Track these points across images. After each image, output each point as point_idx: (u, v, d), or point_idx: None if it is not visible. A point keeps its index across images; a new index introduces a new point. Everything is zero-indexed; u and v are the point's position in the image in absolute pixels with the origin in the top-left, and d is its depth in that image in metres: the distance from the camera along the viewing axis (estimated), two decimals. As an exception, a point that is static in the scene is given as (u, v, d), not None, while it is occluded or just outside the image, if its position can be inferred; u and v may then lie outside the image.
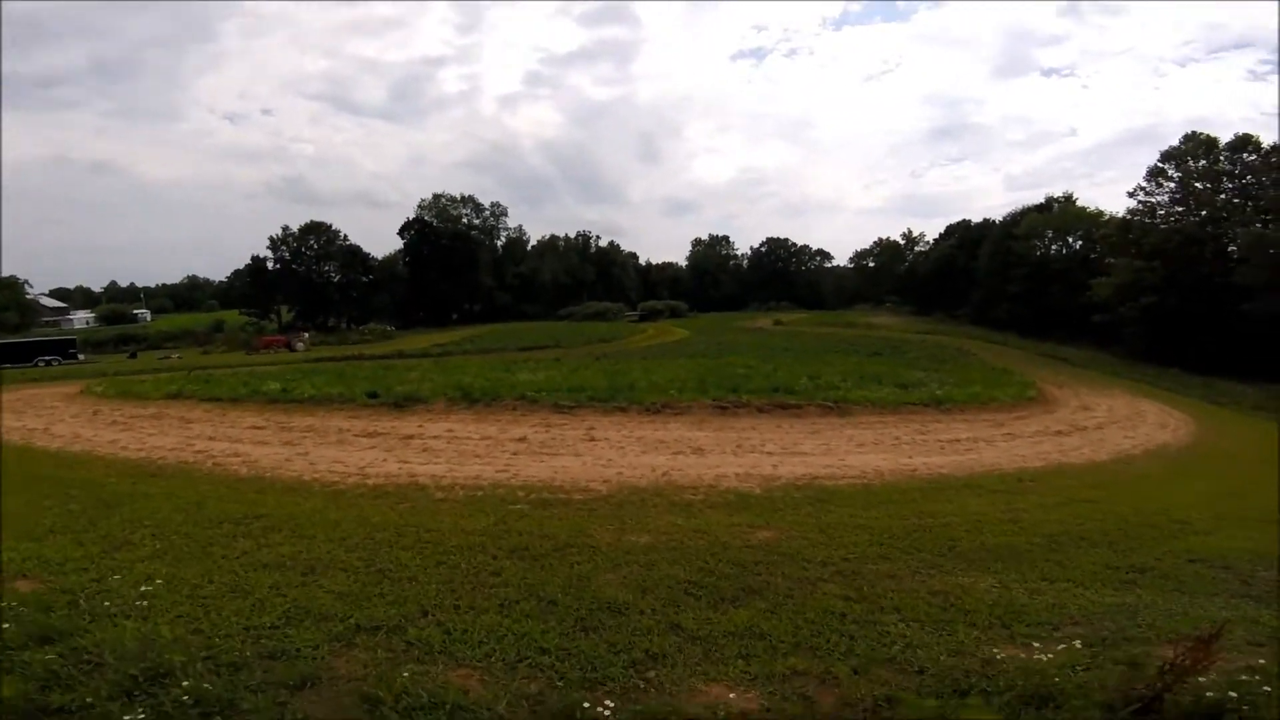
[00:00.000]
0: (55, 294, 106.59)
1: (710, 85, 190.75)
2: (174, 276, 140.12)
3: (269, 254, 75.92)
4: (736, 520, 6.75)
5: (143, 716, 3.13)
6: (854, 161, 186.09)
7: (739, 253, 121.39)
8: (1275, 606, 4.74)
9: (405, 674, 3.55)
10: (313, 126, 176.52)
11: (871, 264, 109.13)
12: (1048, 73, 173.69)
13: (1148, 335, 41.64)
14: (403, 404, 15.04)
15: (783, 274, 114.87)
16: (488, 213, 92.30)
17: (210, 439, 12.82)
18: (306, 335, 59.36)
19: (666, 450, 11.07)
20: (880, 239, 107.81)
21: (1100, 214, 57.86)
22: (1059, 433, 15.54)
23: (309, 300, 75.60)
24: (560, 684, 3.54)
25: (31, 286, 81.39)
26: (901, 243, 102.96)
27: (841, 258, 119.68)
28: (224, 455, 11.01)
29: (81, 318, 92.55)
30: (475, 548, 5.71)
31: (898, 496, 8.21)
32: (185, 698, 3.26)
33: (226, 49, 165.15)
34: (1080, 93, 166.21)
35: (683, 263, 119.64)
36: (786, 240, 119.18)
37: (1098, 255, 52.91)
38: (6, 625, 3.99)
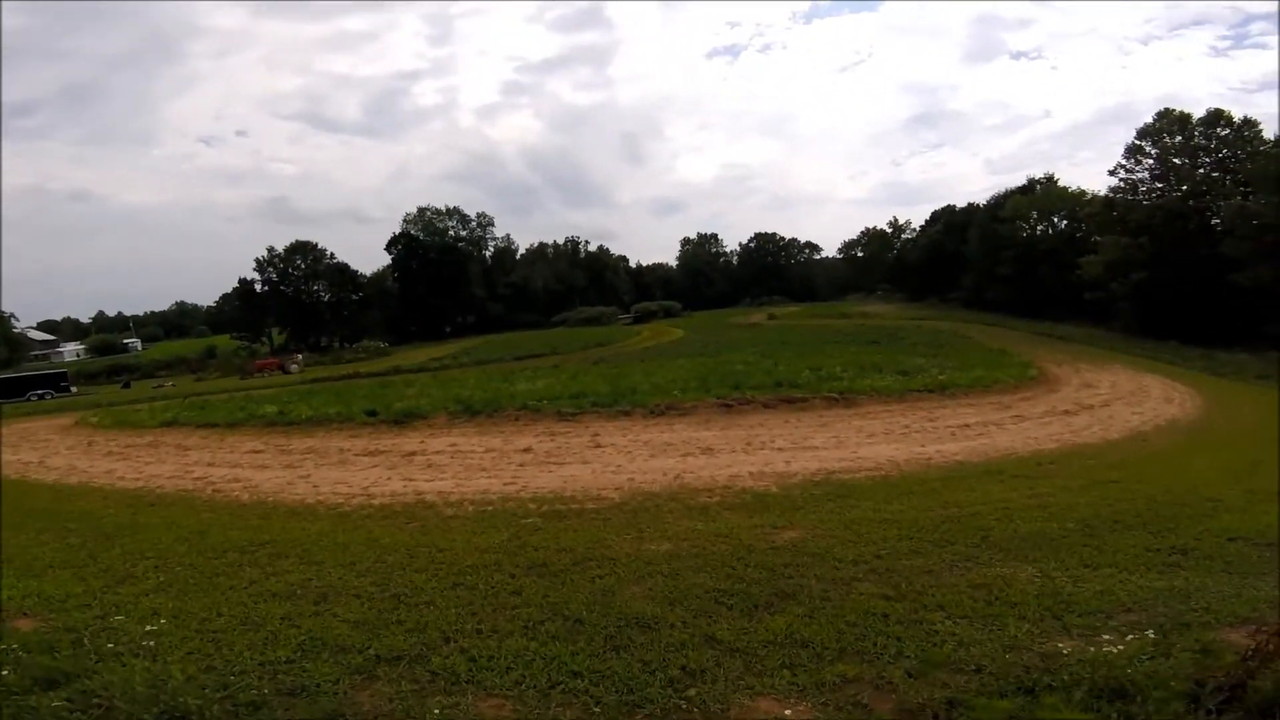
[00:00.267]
0: (43, 326, 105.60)
1: (688, 84, 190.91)
2: (162, 304, 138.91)
3: (256, 276, 75.35)
4: (758, 521, 6.55)
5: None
6: (836, 153, 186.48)
7: (728, 250, 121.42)
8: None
9: (434, 708, 3.33)
10: (292, 146, 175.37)
11: (860, 254, 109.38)
12: (1017, 56, 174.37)
13: (1140, 310, 41.76)
14: (403, 420, 14.80)
15: (773, 268, 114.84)
16: (474, 224, 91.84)
17: (209, 465, 12.55)
18: (300, 357, 58.87)
19: (675, 452, 10.88)
20: (868, 228, 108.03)
21: (1083, 193, 58.12)
22: (1066, 412, 15.46)
23: (300, 321, 75.01)
24: (598, 709, 3.32)
25: (19, 320, 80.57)
26: (889, 231, 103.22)
27: (830, 249, 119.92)
28: (224, 481, 10.75)
29: (71, 350, 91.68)
30: (491, 566, 5.48)
31: (918, 487, 8.05)
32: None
33: (196, 70, 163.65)
34: (1051, 75, 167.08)
35: (673, 263, 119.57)
36: (775, 235, 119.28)
37: (1084, 234, 53.13)
38: (6, 670, 3.76)
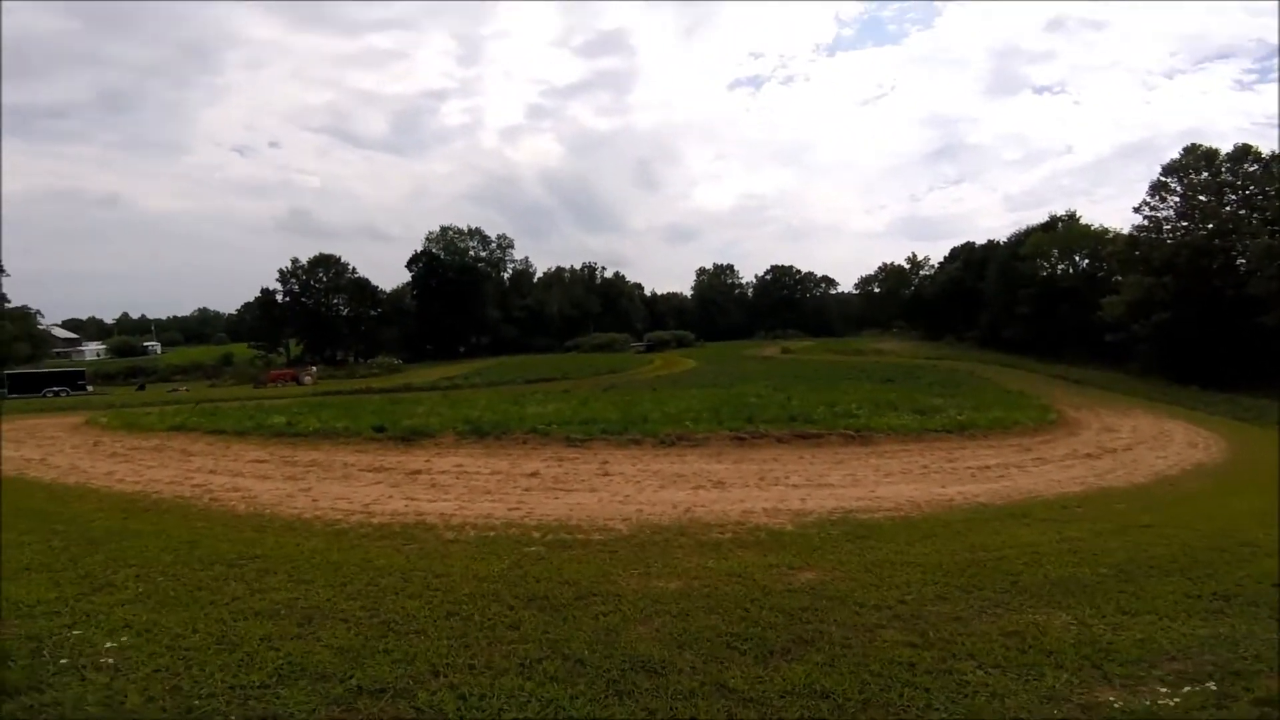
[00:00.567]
0: (68, 325, 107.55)
1: (708, 113, 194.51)
2: (185, 309, 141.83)
3: (278, 286, 76.38)
4: (773, 560, 6.19)
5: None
6: (854, 185, 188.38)
7: (743, 281, 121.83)
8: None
9: (414, 753, 3.02)
10: (318, 159, 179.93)
11: (877, 289, 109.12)
12: (1039, 90, 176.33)
13: (1162, 352, 41.02)
14: (410, 438, 14.59)
15: (788, 301, 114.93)
16: (494, 245, 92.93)
17: (210, 472, 12.38)
18: (314, 369, 59.26)
19: (686, 484, 10.54)
20: (885, 264, 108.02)
21: (1105, 231, 57.72)
22: (1089, 455, 15.11)
23: (318, 333, 75.75)
24: (595, 763, 3.00)
25: (44, 317, 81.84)
26: (906, 267, 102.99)
27: (846, 282, 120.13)
28: (223, 490, 10.55)
29: (93, 349, 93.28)
30: (489, 596, 5.15)
31: (941, 529, 7.66)
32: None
33: (230, 81, 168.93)
34: (1073, 109, 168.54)
35: (688, 292, 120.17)
36: (791, 267, 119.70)
37: (1105, 273, 52.59)
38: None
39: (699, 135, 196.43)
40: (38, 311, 74.30)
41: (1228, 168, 43.01)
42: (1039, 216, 71.48)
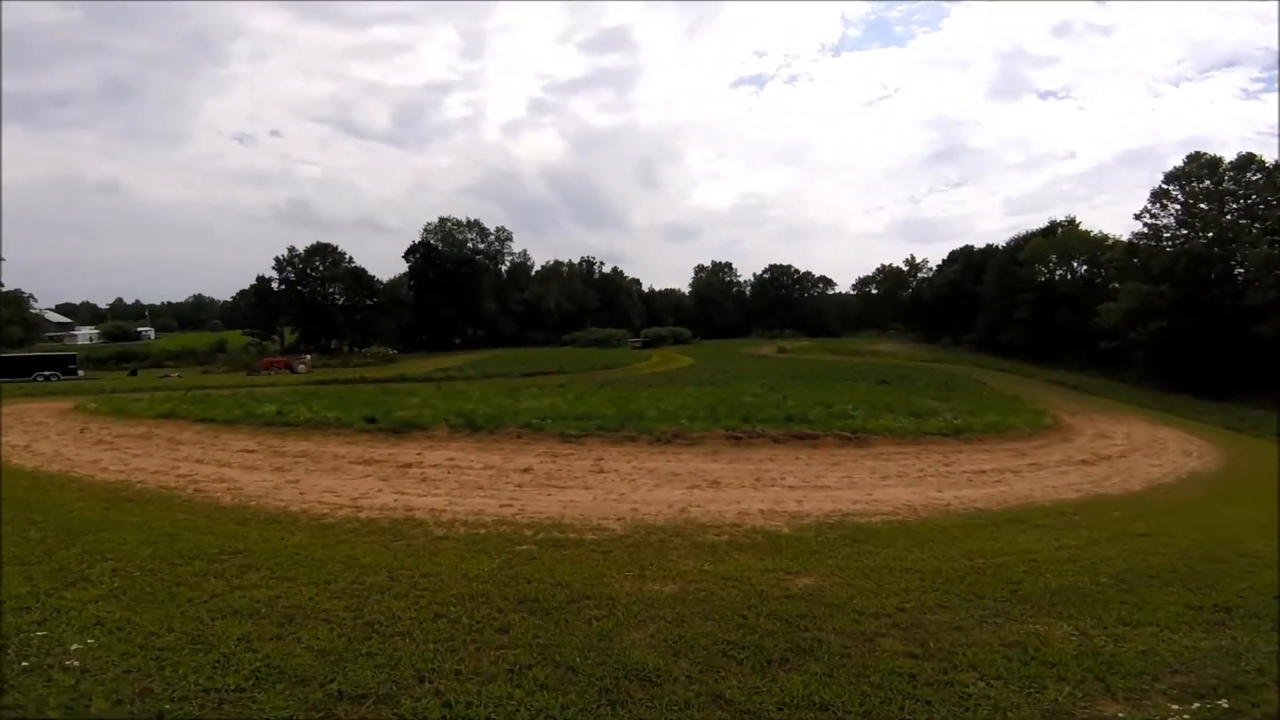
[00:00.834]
0: (61, 309, 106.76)
1: (711, 111, 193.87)
2: (180, 295, 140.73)
3: (274, 274, 75.85)
4: (770, 565, 6.06)
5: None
6: (854, 186, 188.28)
7: (741, 279, 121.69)
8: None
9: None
10: (319, 150, 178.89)
11: (875, 290, 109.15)
12: (1044, 95, 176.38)
13: (1158, 360, 41.09)
14: (402, 430, 14.40)
15: (785, 301, 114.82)
16: (493, 238, 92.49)
17: (197, 462, 12.18)
18: (308, 357, 58.88)
19: (681, 484, 10.40)
20: (883, 265, 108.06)
21: (1104, 237, 57.84)
22: (1084, 462, 15.07)
23: (313, 322, 75.28)
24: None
25: (37, 301, 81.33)
26: (905, 269, 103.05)
27: (844, 283, 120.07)
28: (208, 480, 10.34)
29: (85, 334, 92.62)
30: (478, 597, 5.00)
31: (938, 535, 7.56)
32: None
33: (235, 71, 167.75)
34: (1077, 114, 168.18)
35: (686, 289, 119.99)
36: (789, 267, 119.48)
37: (1103, 279, 52.65)
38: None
39: (701, 134, 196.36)
40: (30, 296, 73.83)
41: (1231, 176, 42.93)
42: (1039, 221, 71.64)
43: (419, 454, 12.64)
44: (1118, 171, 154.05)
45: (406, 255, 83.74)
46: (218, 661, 3.90)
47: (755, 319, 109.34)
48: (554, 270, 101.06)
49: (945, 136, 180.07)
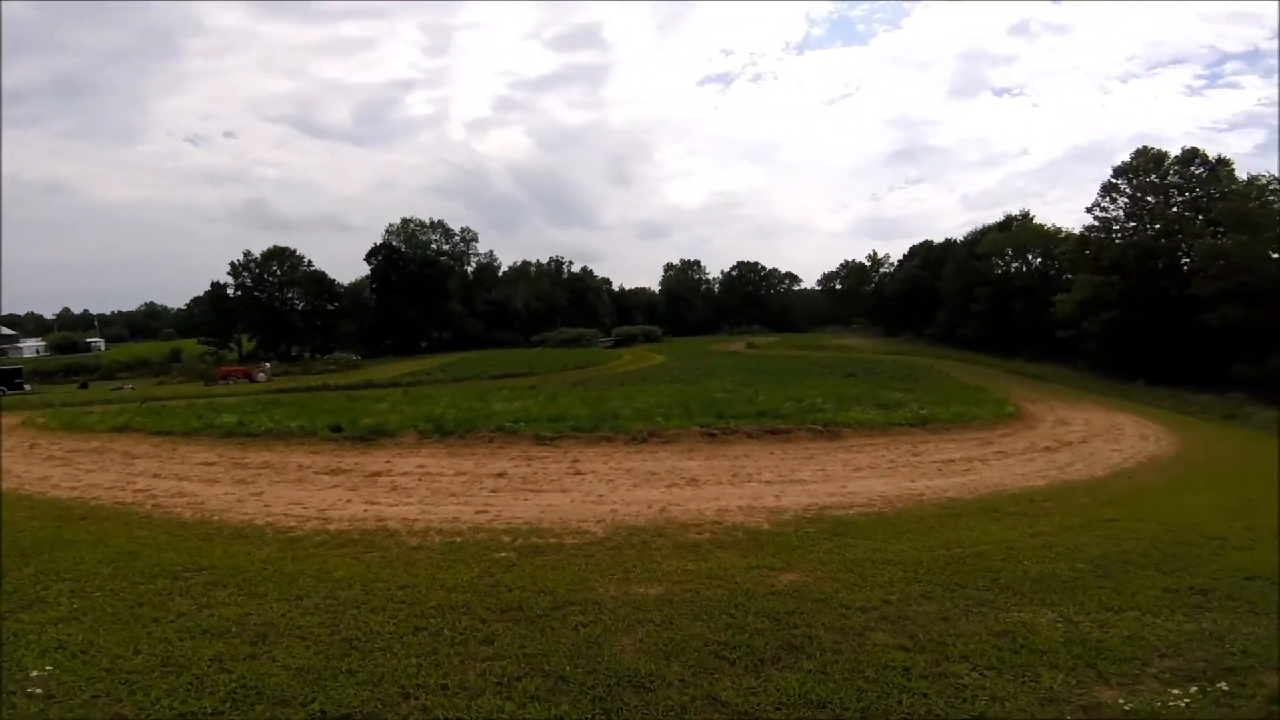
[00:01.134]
0: (5, 320, 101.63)
1: (681, 109, 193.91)
2: (131, 304, 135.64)
3: (230, 280, 73.53)
4: (753, 562, 6.03)
5: None
6: (819, 184, 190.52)
7: (710, 277, 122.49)
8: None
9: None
10: (276, 149, 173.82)
11: (839, 286, 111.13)
12: (999, 92, 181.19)
13: (1110, 349, 42.60)
14: (369, 438, 14.00)
15: (754, 297, 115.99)
16: (458, 238, 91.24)
17: (155, 476, 11.65)
18: (268, 365, 57.26)
19: (659, 483, 10.32)
20: (847, 261, 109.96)
21: (1058, 231, 59.74)
22: (1048, 449, 15.41)
23: (271, 329, 73.17)
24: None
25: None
26: (867, 264, 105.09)
27: (810, 280, 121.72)
28: (167, 495, 9.89)
29: (31, 346, 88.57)
30: (459, 608, 4.84)
31: (915, 525, 7.65)
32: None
33: (190, 69, 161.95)
34: (1031, 112, 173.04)
35: (656, 287, 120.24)
36: (757, 264, 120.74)
37: (1057, 271, 54.38)
38: None
39: (671, 131, 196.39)
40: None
41: (1176, 170, 44.78)
42: (995, 216, 73.56)
43: (388, 462, 12.31)
44: (1070, 167, 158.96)
45: (368, 257, 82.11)
46: (191, 684, 3.71)
47: (724, 316, 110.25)
48: (522, 270, 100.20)
49: (905, 135, 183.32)
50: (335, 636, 4.36)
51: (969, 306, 62.09)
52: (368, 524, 7.86)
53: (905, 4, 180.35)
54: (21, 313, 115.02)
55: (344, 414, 16.60)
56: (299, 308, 74.97)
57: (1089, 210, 48.45)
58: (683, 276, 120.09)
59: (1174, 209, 44.18)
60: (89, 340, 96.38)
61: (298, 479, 11.12)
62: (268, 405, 21.47)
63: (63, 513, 8.72)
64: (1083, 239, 49.21)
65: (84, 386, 51.12)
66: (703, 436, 13.84)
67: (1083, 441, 17.00)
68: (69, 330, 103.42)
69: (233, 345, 72.65)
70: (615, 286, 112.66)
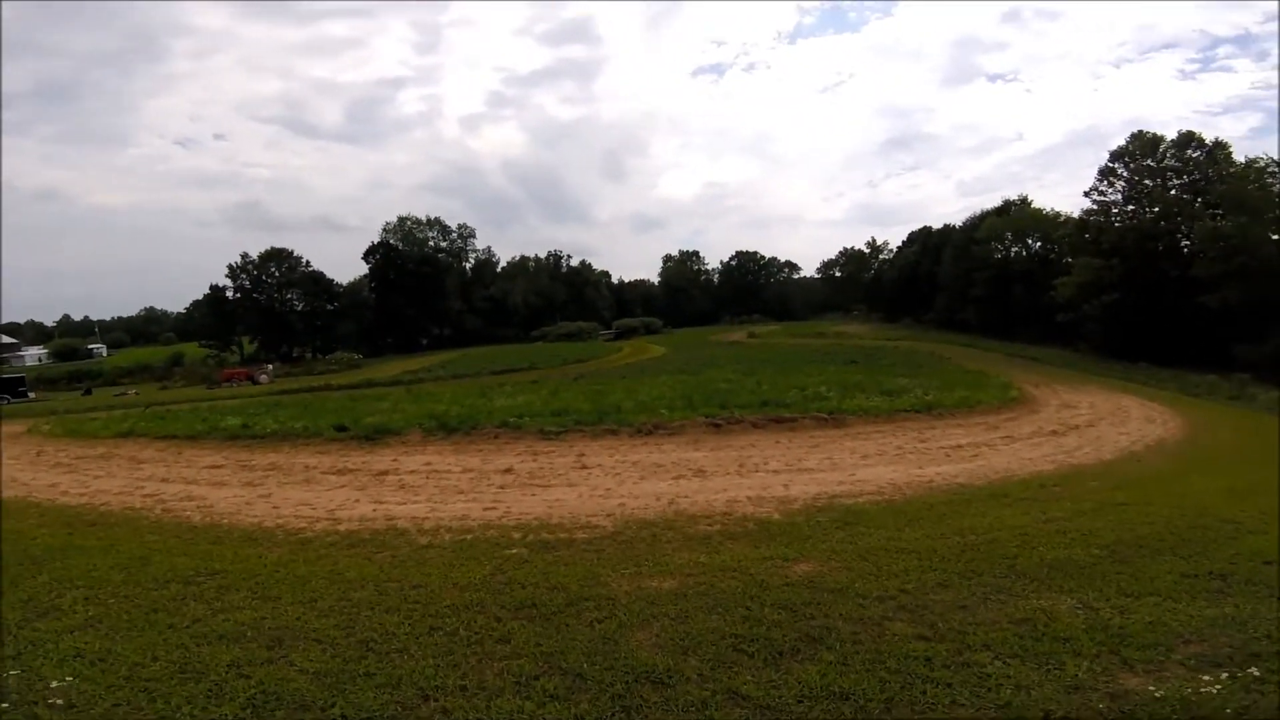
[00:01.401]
0: (6, 329, 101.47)
1: (674, 101, 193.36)
2: (130, 309, 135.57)
3: (228, 283, 73.43)
4: (766, 553, 6.00)
5: None
6: (814, 174, 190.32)
7: (709, 267, 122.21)
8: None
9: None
10: (268, 150, 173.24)
11: (838, 274, 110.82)
12: (993, 79, 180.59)
13: (1111, 331, 42.50)
14: (374, 437, 13.99)
15: (752, 287, 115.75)
16: (455, 235, 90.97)
17: (162, 480, 11.64)
18: (270, 367, 57.22)
19: (666, 475, 10.30)
20: (845, 249, 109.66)
21: (1057, 215, 59.42)
22: (1054, 433, 15.36)
23: (272, 330, 73.14)
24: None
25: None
26: (866, 251, 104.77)
27: (808, 269, 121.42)
28: (176, 499, 9.88)
29: (33, 354, 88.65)
30: (473, 606, 4.82)
31: (926, 512, 7.61)
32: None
33: (176, 70, 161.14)
34: (1024, 98, 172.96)
35: (654, 279, 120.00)
36: (755, 253, 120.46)
37: (1057, 255, 54.20)
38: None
39: (665, 124, 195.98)
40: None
41: (1172, 154, 44.54)
42: (991, 202, 73.38)
43: (394, 460, 12.29)
44: (1065, 152, 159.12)
45: (366, 256, 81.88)
46: (210, 690, 3.69)
47: (724, 306, 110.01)
48: (520, 266, 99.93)
49: (899, 123, 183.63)
50: (351, 639, 4.34)
51: (968, 291, 61.88)
52: (377, 523, 7.84)
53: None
54: (21, 320, 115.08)
55: (348, 414, 16.59)
56: (298, 309, 74.90)
57: (1087, 194, 48.32)
58: (681, 268, 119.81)
59: (1172, 192, 43.98)
60: (91, 347, 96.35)
61: (305, 480, 11.10)
62: (271, 407, 21.45)
63: (73, 519, 8.71)
64: (1082, 223, 49.02)
65: (88, 393, 51.21)
66: (707, 427, 13.81)
67: (1089, 425, 16.90)
68: (70, 337, 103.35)
69: (234, 348, 72.58)
70: (614, 279, 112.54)
